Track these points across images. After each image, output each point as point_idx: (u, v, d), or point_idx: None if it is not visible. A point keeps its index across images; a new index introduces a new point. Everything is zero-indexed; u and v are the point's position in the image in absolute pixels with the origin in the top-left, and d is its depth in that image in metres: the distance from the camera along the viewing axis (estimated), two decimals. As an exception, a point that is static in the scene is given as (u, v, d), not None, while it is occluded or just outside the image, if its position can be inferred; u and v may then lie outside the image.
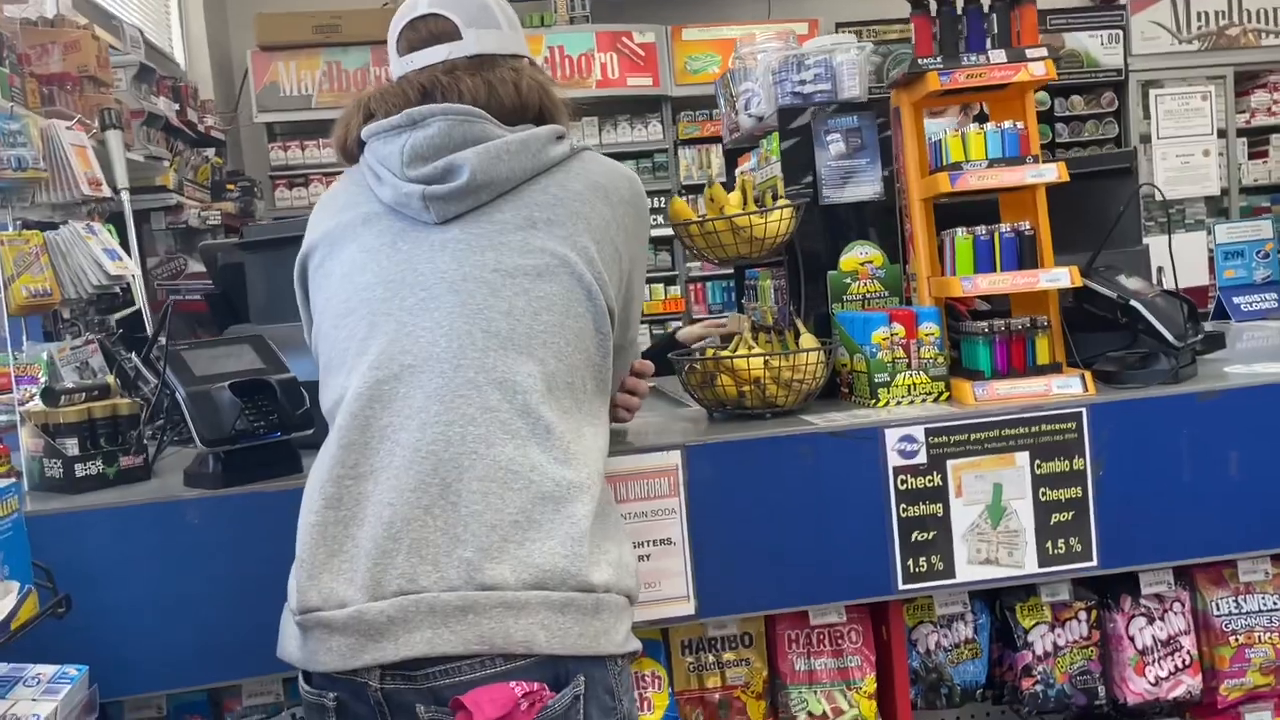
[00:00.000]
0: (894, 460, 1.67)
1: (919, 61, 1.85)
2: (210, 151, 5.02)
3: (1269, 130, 6.98)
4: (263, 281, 2.04)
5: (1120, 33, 6.77)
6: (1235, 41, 6.85)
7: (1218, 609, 1.87)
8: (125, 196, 2.27)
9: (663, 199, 6.16)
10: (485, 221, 1.30)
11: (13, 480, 1.29)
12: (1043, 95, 6.61)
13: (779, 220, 1.78)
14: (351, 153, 1.45)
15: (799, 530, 1.67)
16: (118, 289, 1.94)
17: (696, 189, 6.29)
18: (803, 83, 1.94)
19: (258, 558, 1.52)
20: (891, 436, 1.67)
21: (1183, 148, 6.43)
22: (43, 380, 1.82)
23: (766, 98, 2.07)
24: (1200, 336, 1.88)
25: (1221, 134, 6.68)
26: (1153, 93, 6.58)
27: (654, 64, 6.15)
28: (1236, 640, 1.86)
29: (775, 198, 1.87)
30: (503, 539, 1.19)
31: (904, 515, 1.68)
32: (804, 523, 1.67)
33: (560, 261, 1.29)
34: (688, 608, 1.64)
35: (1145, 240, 2.21)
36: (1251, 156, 7.04)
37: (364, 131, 1.38)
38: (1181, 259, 2.29)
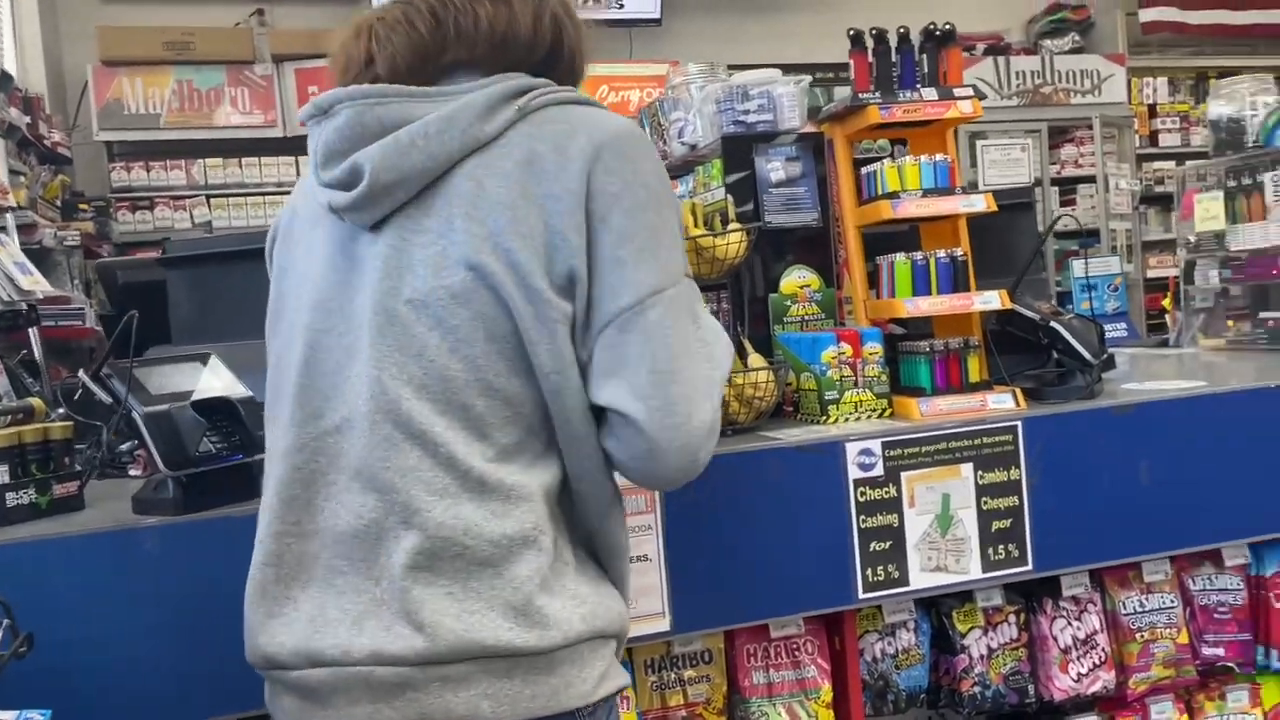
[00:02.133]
0: (854, 473, 1.74)
1: (859, 96, 1.95)
2: (52, 169, 4.66)
3: (1077, 180, 7.64)
4: (187, 299, 1.93)
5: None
6: (1048, 99, 7.49)
7: (1125, 608, 2.02)
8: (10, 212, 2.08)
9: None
10: (412, 227, 1.12)
11: (-29, 506, 1.18)
12: (884, 142, 7.01)
13: (739, 242, 1.83)
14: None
15: (767, 544, 1.70)
16: (24, 305, 1.78)
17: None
18: (746, 112, 2.01)
19: (220, 587, 1.43)
20: (851, 450, 1.74)
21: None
22: (-53, 404, 1.65)
23: (704, 126, 2.13)
24: (1107, 356, 2.05)
25: (1038, 183, 7.26)
26: (978, 144, 7.10)
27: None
28: (1142, 637, 2.02)
29: (725, 221, 1.92)
30: (438, 613, 1.08)
31: (864, 526, 1.75)
32: (771, 536, 1.71)
33: (476, 275, 1.08)
34: (663, 624, 1.65)
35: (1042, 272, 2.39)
36: (1062, 204, 7.68)
37: (302, 111, 1.18)
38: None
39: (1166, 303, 3.21)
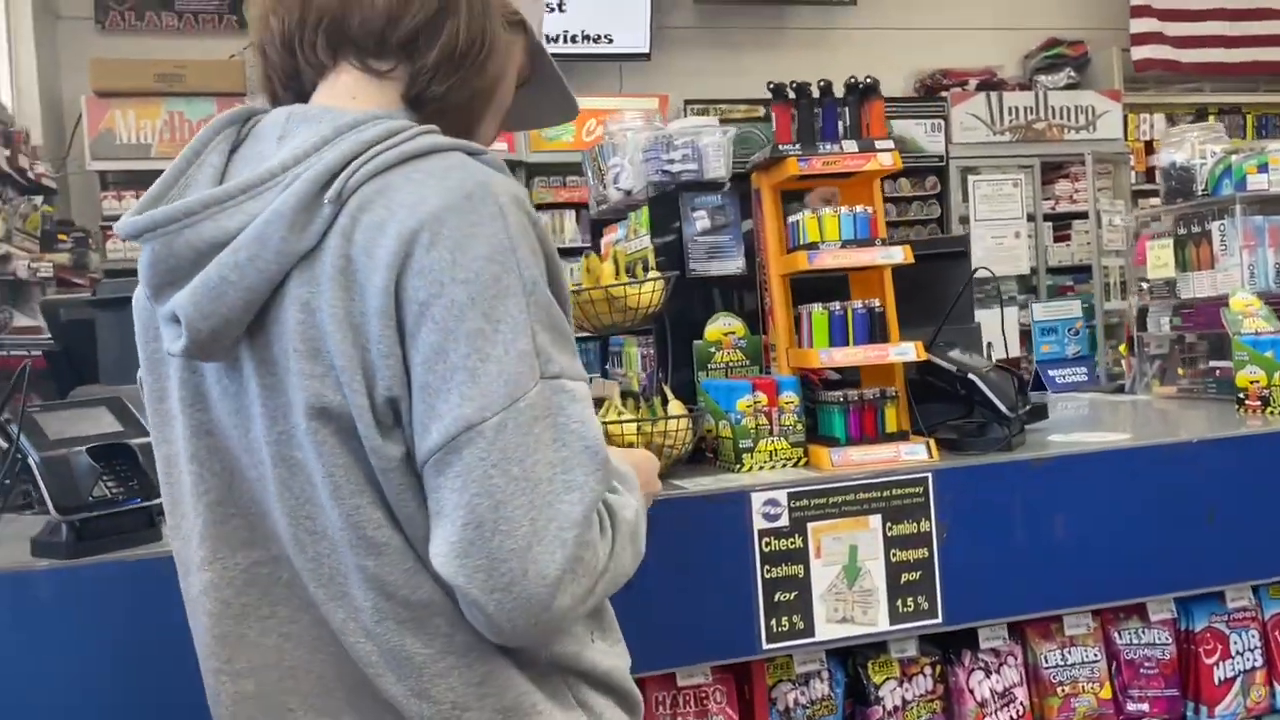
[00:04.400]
0: (759, 523, 1.75)
1: (779, 148, 1.97)
2: (39, 199, 4.74)
3: (1071, 216, 7.64)
4: (115, 340, 1.96)
5: (942, 122, 7.31)
6: (1041, 135, 7.50)
7: (1046, 661, 2.02)
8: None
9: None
10: (266, 358, 0.96)
11: None
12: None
13: (651, 291, 1.85)
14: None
15: (669, 593, 1.71)
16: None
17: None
18: (671, 161, 2.04)
19: (116, 633, 1.45)
20: (757, 500, 1.75)
21: (997, 230, 6.98)
22: None
23: (635, 173, 2.16)
24: (1028, 408, 2.05)
25: (1030, 218, 7.27)
26: (970, 178, 7.13)
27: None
28: (1063, 690, 2.01)
29: (646, 269, 1.95)
30: None
31: (768, 576, 1.75)
32: (674, 585, 1.71)
33: (322, 422, 0.93)
34: (560, 672, 1.65)
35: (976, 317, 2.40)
36: (1056, 240, 7.68)
37: (118, 227, 0.99)
38: (998, 331, 2.53)
39: (1122, 349, 3.20)
